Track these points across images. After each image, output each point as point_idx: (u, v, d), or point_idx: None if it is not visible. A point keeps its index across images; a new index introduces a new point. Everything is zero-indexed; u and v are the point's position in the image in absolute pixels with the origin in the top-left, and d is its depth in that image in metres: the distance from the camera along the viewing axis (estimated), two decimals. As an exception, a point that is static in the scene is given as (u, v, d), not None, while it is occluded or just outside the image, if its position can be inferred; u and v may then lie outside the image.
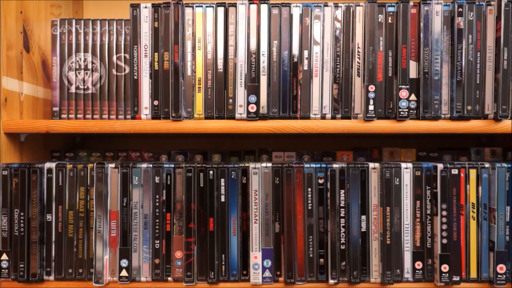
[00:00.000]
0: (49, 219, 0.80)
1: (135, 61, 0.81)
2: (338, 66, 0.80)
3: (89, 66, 0.87)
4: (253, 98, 0.79)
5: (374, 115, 0.78)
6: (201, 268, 0.79)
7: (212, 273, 0.79)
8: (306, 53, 0.80)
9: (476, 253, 0.79)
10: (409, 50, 0.78)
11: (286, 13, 0.79)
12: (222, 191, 0.79)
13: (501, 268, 0.78)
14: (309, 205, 0.79)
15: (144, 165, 0.80)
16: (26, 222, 0.79)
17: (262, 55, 0.79)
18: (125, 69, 0.87)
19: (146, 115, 0.81)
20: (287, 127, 0.79)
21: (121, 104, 0.87)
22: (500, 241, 0.78)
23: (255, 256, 0.79)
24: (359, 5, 0.79)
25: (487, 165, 0.79)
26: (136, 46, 0.80)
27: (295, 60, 0.80)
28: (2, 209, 0.79)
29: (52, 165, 0.80)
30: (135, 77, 0.81)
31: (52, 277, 0.80)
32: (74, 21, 0.87)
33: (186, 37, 0.80)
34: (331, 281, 0.79)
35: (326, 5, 0.80)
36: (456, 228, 0.78)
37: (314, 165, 0.79)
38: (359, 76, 0.80)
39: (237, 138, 1.10)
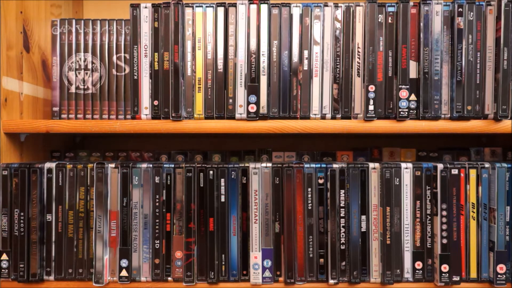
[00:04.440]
0: (49, 219, 0.80)
1: (135, 61, 0.81)
2: (338, 66, 0.80)
3: (89, 66, 0.87)
4: (253, 98, 0.79)
5: (374, 115, 0.78)
6: (201, 268, 0.79)
7: (212, 273, 0.79)
8: (306, 53, 0.80)
9: (476, 253, 0.79)
10: (409, 50, 0.78)
11: (286, 13, 0.79)
12: (222, 191, 0.79)
13: (501, 268, 0.78)
14: (309, 205, 0.79)
15: (144, 165, 0.80)
16: (26, 222, 0.79)
17: (262, 55, 0.79)
18: (125, 69, 0.87)
19: (146, 115, 0.81)
20: (287, 127, 0.79)
21: (121, 104, 0.87)
22: (500, 241, 0.78)
23: (255, 256, 0.79)
24: (359, 5, 0.79)
25: (487, 165, 0.79)
26: (136, 46, 0.80)
27: (295, 60, 0.80)
28: (2, 209, 0.79)
29: (52, 165, 0.80)
30: (135, 77, 0.81)
31: (52, 277, 0.80)
32: (74, 21, 0.87)
33: (186, 37, 0.80)
34: (331, 281, 0.79)
35: (326, 5, 0.80)
36: (456, 228, 0.78)
37: (314, 165, 0.79)
38: (359, 76, 0.80)
39: (237, 138, 1.10)
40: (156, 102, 0.80)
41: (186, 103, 0.80)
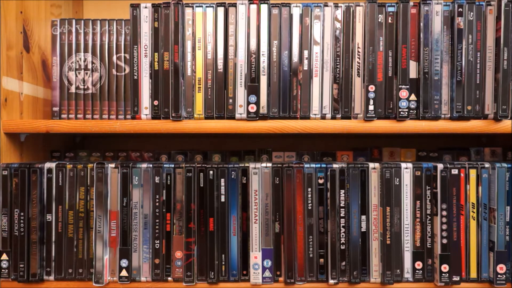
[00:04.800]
0: (49, 219, 0.80)
1: (135, 61, 0.81)
2: (338, 66, 0.80)
3: (89, 66, 0.87)
4: (253, 98, 0.79)
5: (374, 115, 0.78)
6: (201, 268, 0.79)
7: (212, 273, 0.79)
8: (306, 53, 0.80)
9: (476, 253, 0.79)
10: (409, 50, 0.78)
11: (286, 13, 0.79)
12: (222, 191, 0.79)
13: (501, 268, 0.78)
14: (309, 205, 0.79)
15: (144, 165, 0.80)
16: (26, 222, 0.79)
17: (262, 55, 0.79)
18: (125, 69, 0.87)
19: (146, 115, 0.81)
20: (287, 127, 0.79)
21: (121, 104, 0.87)
22: (500, 241, 0.78)
23: (255, 256, 0.79)
24: (359, 5, 0.79)
25: (487, 165, 0.79)
26: (136, 46, 0.80)
27: (295, 60, 0.80)
28: (2, 209, 0.79)
29: (52, 165, 0.80)
30: (135, 77, 0.81)
31: (52, 277, 0.80)
32: (74, 21, 0.87)
33: (186, 37, 0.80)
34: (331, 281, 0.79)
35: (326, 5, 0.80)
36: (456, 228, 0.78)
37: (314, 165, 0.79)
38: (359, 76, 0.80)
39: (237, 138, 1.10)
40: (156, 102, 0.80)
41: (186, 103, 0.80)
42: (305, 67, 0.80)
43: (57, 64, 0.87)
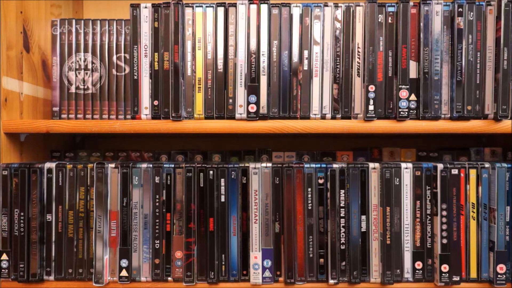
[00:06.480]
0: (49, 219, 0.80)
1: (135, 61, 0.81)
2: (338, 66, 0.80)
3: (89, 66, 0.87)
4: (253, 98, 0.79)
5: (374, 115, 0.78)
6: (201, 268, 0.79)
7: (212, 273, 0.79)
8: (306, 53, 0.80)
9: (476, 253, 0.79)
10: (409, 50, 0.78)
11: (286, 13, 0.79)
12: (222, 191, 0.79)
13: (501, 268, 0.78)
14: (309, 205, 0.79)
15: (144, 165, 0.80)
16: (26, 222, 0.79)
17: (262, 55, 0.79)
18: (125, 69, 0.87)
19: (146, 115, 0.81)
20: (287, 127, 0.79)
21: (121, 104, 0.87)
22: (500, 241, 0.78)
23: (255, 256, 0.79)
24: (359, 5, 0.79)
25: (487, 165, 0.79)
26: (136, 46, 0.80)
27: (295, 60, 0.80)
28: (2, 209, 0.79)
29: (52, 165, 0.80)
30: (135, 77, 0.81)
31: (52, 277, 0.80)
32: (74, 21, 0.87)
33: (186, 37, 0.80)
34: (331, 281, 0.79)
35: (326, 5, 0.80)
36: (456, 228, 0.78)
37: (314, 165, 0.79)
38: (359, 76, 0.80)
39: (237, 138, 1.10)
40: (156, 102, 0.80)
41: (186, 103, 0.80)
42: (305, 67, 0.80)
43: (57, 64, 0.87)
